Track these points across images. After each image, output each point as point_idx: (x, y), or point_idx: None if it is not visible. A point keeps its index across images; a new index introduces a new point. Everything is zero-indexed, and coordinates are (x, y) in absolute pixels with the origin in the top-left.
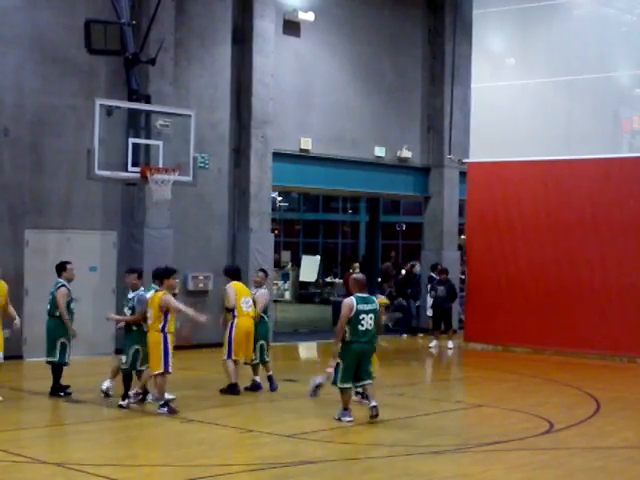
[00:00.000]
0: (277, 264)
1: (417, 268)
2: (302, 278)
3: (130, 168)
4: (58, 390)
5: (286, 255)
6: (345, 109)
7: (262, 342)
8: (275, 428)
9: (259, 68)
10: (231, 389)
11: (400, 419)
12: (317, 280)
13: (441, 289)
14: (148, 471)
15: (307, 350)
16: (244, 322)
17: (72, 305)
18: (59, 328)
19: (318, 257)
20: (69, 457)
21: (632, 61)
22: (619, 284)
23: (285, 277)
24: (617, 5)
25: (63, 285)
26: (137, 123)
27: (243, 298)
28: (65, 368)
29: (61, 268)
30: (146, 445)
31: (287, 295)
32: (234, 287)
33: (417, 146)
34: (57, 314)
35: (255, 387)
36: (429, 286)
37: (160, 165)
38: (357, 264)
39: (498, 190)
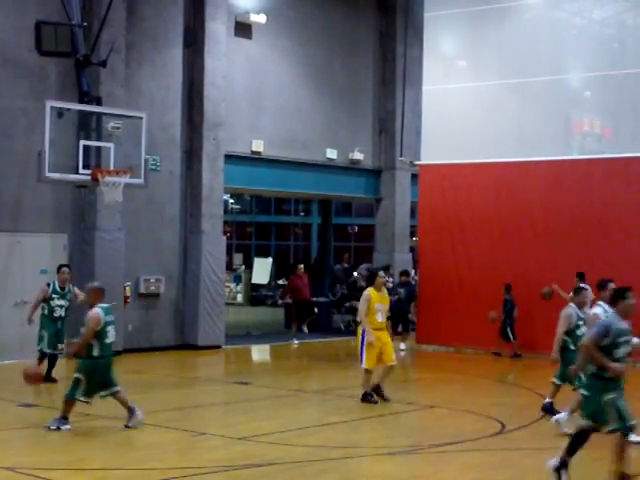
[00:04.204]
0: (229, 267)
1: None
2: (254, 280)
3: (81, 170)
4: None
5: (238, 257)
6: (297, 111)
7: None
8: (227, 431)
9: (211, 70)
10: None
11: (353, 421)
12: (269, 282)
13: (401, 291)
14: (100, 475)
15: (259, 352)
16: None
17: (53, 303)
18: (44, 320)
19: (270, 259)
20: (19, 461)
21: (583, 64)
22: (570, 286)
23: (237, 279)
24: (568, 8)
25: (47, 284)
26: (88, 125)
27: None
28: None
29: (57, 270)
30: (97, 448)
31: (239, 298)
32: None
33: (369, 148)
34: (44, 312)
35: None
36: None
37: (111, 167)
38: (302, 265)
39: (450, 192)
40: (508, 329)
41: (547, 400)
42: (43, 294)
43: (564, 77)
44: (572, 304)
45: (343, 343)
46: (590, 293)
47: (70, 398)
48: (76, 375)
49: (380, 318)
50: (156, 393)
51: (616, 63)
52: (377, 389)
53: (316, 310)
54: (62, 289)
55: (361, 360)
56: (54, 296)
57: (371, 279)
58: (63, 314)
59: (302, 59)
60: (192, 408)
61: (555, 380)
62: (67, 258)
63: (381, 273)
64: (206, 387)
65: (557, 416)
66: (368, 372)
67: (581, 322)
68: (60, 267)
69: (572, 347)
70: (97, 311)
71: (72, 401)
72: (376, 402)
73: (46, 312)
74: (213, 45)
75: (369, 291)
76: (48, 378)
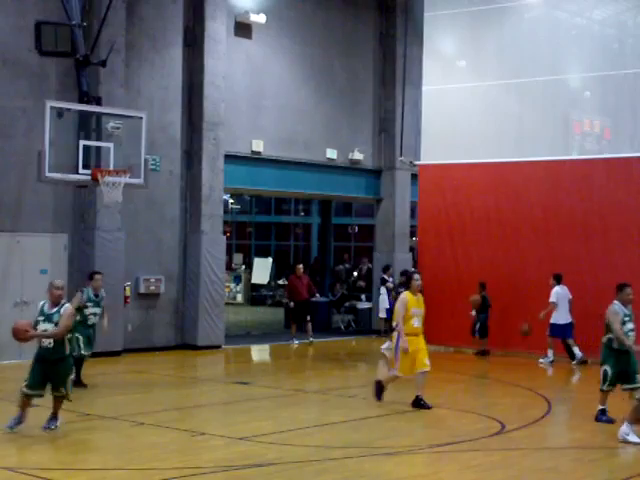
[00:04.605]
0: (229, 266)
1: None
2: (254, 280)
3: (81, 170)
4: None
5: (238, 257)
6: (297, 111)
7: None
8: (227, 431)
9: (210, 70)
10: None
11: (353, 421)
12: (269, 282)
13: (402, 291)
14: (100, 475)
15: (259, 352)
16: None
17: (87, 311)
18: (77, 327)
19: (270, 259)
20: (21, 461)
21: (582, 64)
22: (569, 285)
23: (237, 279)
24: (568, 8)
25: (81, 291)
26: (88, 125)
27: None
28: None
29: (89, 277)
30: (97, 449)
31: (239, 297)
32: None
33: (369, 148)
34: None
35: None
36: (382, 288)
37: (111, 167)
38: (300, 266)
39: (449, 192)
40: (478, 325)
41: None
42: (78, 303)
43: (564, 77)
44: (616, 301)
45: (343, 343)
46: (568, 292)
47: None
48: (72, 376)
49: (416, 323)
50: (156, 393)
51: (616, 63)
52: (417, 401)
53: (308, 318)
54: (96, 296)
55: (395, 365)
56: (89, 304)
57: (407, 282)
58: (96, 321)
59: (302, 59)
60: (192, 408)
61: None
62: (67, 258)
63: (416, 276)
64: (206, 387)
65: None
66: (397, 377)
67: (627, 318)
68: (93, 274)
69: (615, 345)
70: (72, 308)
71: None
72: (381, 400)
73: (78, 319)
74: (213, 45)
75: (406, 295)
76: (78, 382)
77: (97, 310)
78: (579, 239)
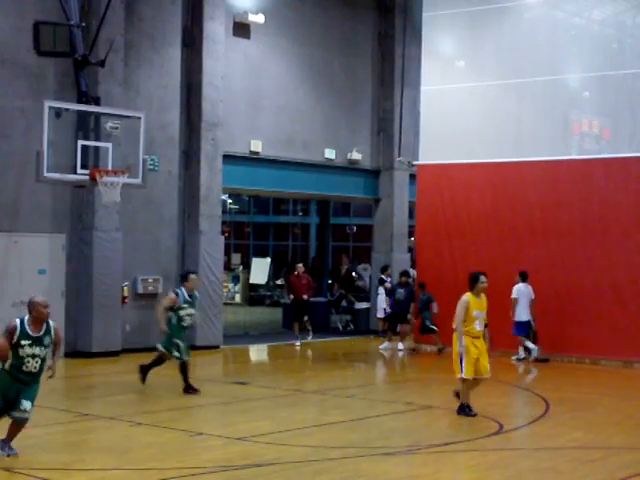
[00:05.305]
0: (227, 267)
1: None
2: (252, 280)
3: (79, 170)
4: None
5: (236, 257)
6: (295, 111)
7: None
8: (225, 431)
9: (209, 70)
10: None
11: (351, 421)
12: (267, 282)
13: (401, 292)
14: (98, 475)
15: (257, 353)
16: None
17: (182, 312)
18: (172, 329)
19: (268, 259)
20: (18, 462)
21: (581, 64)
22: (566, 285)
23: (235, 280)
24: (567, 9)
25: (175, 293)
26: (86, 125)
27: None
28: None
29: (183, 278)
30: (95, 449)
31: (237, 298)
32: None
33: (367, 148)
34: (172, 321)
35: None
36: (381, 288)
37: (109, 167)
38: (300, 265)
39: (448, 192)
40: (427, 322)
41: None
42: (171, 303)
43: (563, 77)
44: None
45: (341, 343)
46: (531, 291)
47: None
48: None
49: (478, 326)
50: (154, 393)
51: (615, 63)
52: (462, 408)
53: (306, 318)
54: (190, 296)
55: (461, 369)
56: (184, 305)
57: (472, 283)
58: (192, 322)
59: (301, 59)
60: (190, 408)
61: None
62: (65, 258)
63: (482, 277)
64: (204, 387)
65: None
66: (466, 381)
67: None
68: (188, 274)
69: None
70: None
71: None
72: (475, 415)
73: (174, 321)
74: (211, 45)
75: (467, 296)
76: (189, 388)
77: (192, 311)
78: (577, 239)
